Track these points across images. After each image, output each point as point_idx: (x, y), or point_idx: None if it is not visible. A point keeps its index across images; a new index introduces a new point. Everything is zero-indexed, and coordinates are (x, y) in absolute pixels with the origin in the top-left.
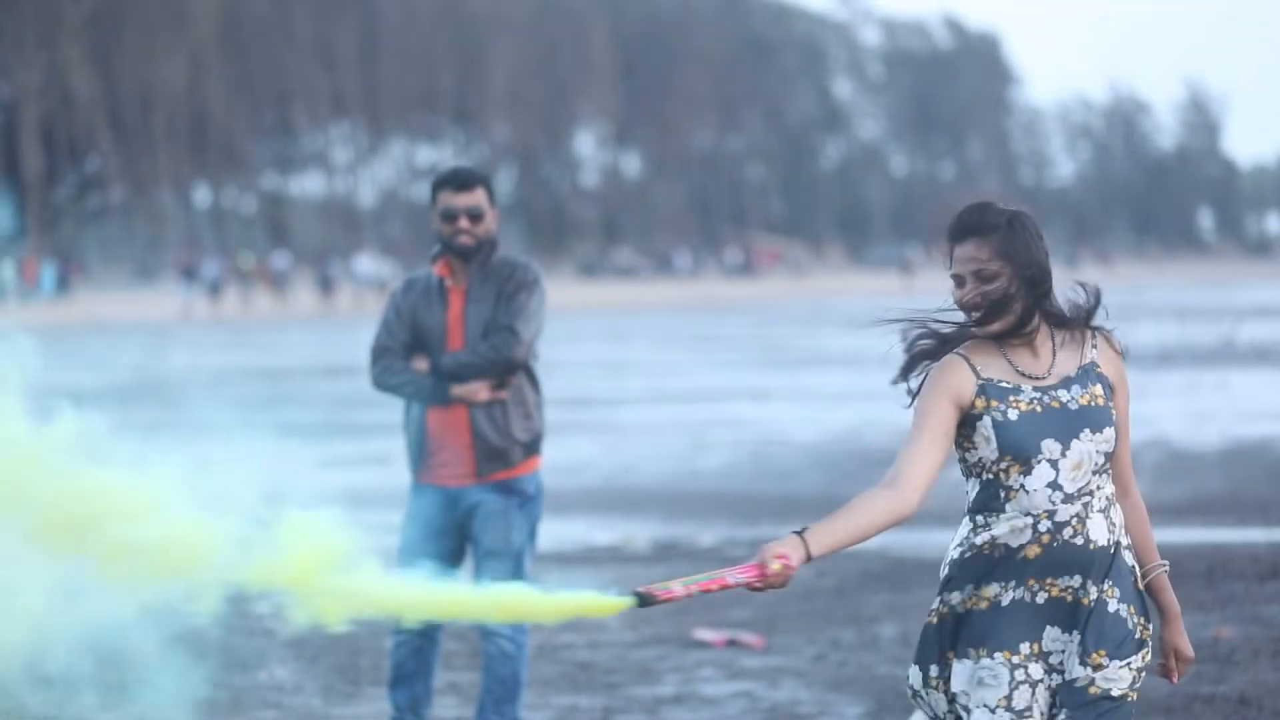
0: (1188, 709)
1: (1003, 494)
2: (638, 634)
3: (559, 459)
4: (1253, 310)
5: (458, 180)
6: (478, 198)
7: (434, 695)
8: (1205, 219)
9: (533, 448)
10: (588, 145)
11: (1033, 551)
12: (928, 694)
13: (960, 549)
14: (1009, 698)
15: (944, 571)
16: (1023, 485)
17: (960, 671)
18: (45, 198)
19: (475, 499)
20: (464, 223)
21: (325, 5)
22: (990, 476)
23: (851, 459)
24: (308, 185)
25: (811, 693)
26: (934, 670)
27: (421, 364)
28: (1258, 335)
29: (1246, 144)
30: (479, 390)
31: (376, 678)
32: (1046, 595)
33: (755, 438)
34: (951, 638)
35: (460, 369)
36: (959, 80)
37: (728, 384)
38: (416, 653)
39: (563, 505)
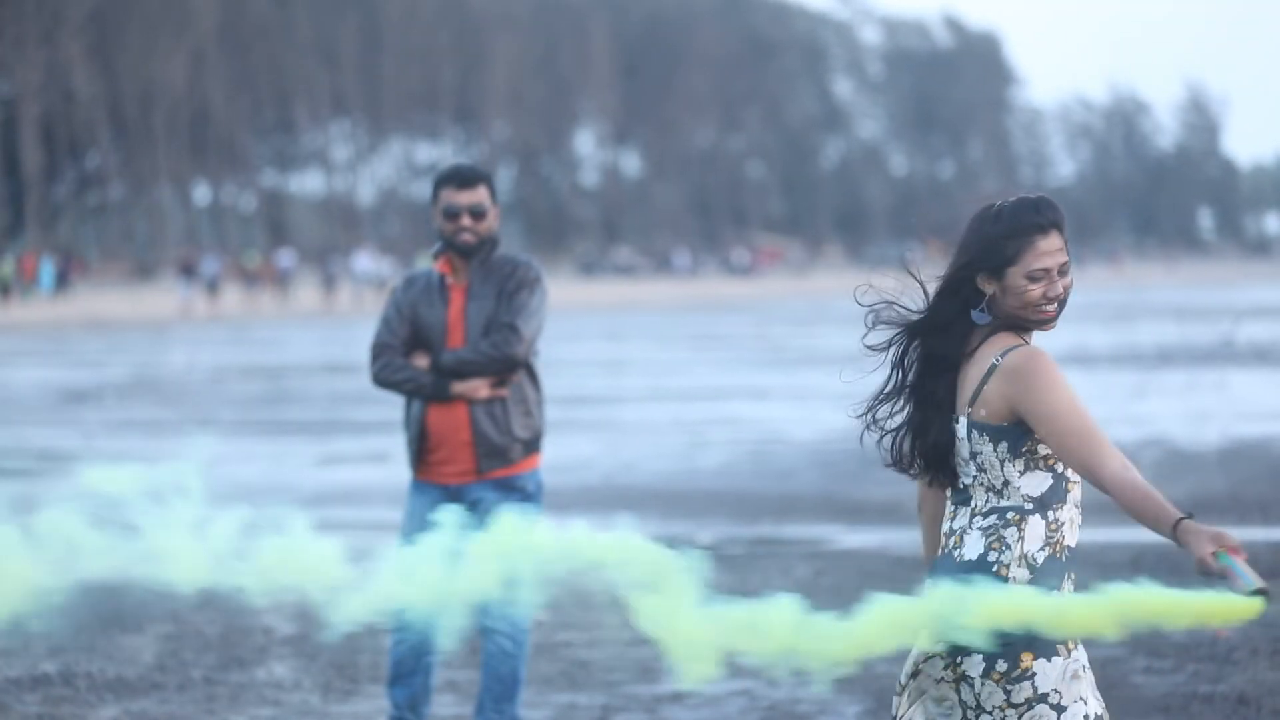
0: (1186, 708)
1: (1064, 486)
2: (636, 632)
3: (559, 457)
4: (1252, 310)
5: (460, 178)
6: (480, 195)
7: (433, 693)
8: (1205, 219)
9: (533, 445)
10: (588, 144)
11: (1074, 543)
12: (983, 684)
13: (1044, 549)
14: (1094, 686)
15: (1025, 575)
16: (1071, 477)
17: (1051, 670)
18: (45, 194)
19: (475, 496)
20: (466, 220)
21: (326, 3)
22: (1061, 469)
23: (850, 458)
24: (307, 183)
25: (810, 692)
26: (1003, 666)
27: (422, 361)
28: (1257, 335)
29: (1246, 144)
30: (479, 388)
31: (375, 675)
32: (1072, 588)
33: (754, 436)
34: (1030, 637)
35: (461, 366)
36: (959, 80)
37: (727, 383)
38: (415, 650)
39: (562, 503)
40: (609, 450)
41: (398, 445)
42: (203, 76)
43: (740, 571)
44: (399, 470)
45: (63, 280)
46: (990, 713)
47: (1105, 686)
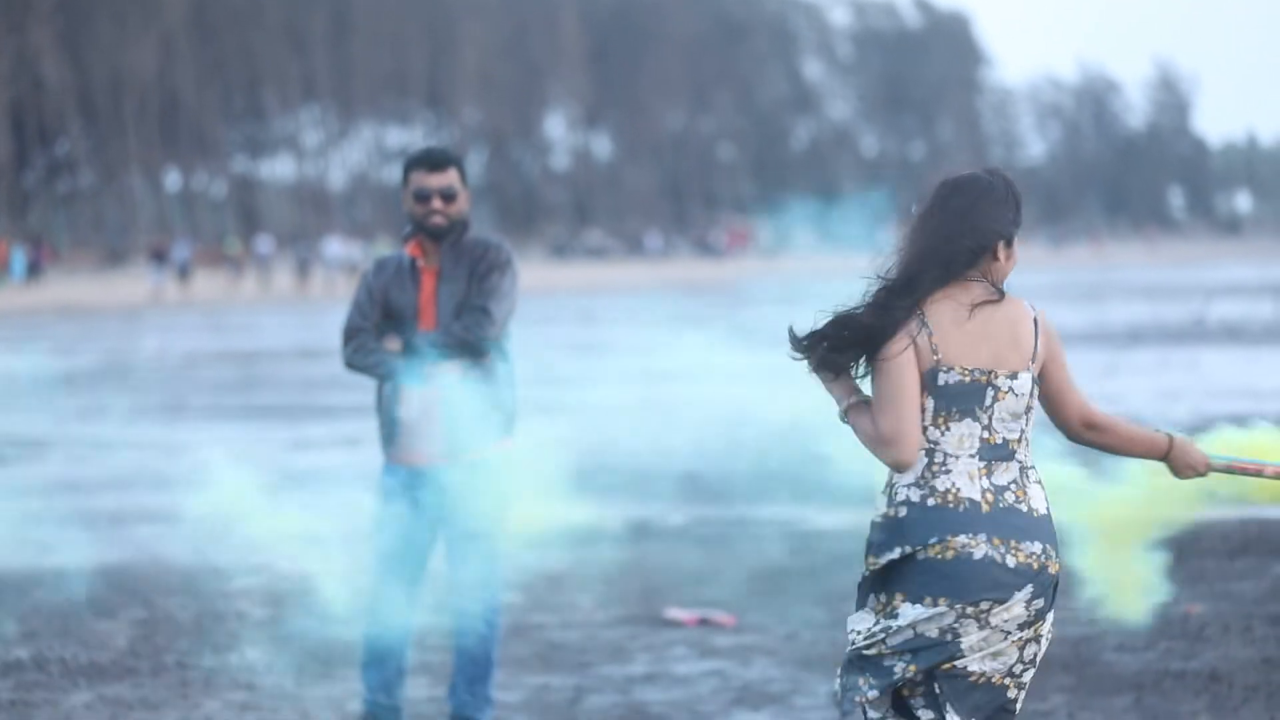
0: (1158, 685)
1: None
2: (609, 613)
3: (531, 439)
4: (1223, 288)
5: (431, 161)
6: (451, 178)
7: (406, 676)
8: (1176, 198)
9: (505, 428)
10: (558, 127)
11: None
12: (1050, 629)
13: None
14: None
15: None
16: None
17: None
18: (15, 182)
19: (448, 479)
20: (437, 203)
21: None
22: None
23: (823, 438)
24: (278, 169)
25: (783, 671)
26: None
27: (394, 344)
28: (1228, 314)
29: (1216, 123)
30: (451, 370)
31: (348, 659)
32: None
33: (727, 417)
34: None
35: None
36: (929, 60)
37: (699, 364)
38: (388, 633)
39: (534, 486)
40: (581, 432)
41: (370, 429)
42: (172, 63)
43: (714, 552)
44: (371, 454)
45: (34, 268)
46: (1034, 659)
47: (1078, 665)
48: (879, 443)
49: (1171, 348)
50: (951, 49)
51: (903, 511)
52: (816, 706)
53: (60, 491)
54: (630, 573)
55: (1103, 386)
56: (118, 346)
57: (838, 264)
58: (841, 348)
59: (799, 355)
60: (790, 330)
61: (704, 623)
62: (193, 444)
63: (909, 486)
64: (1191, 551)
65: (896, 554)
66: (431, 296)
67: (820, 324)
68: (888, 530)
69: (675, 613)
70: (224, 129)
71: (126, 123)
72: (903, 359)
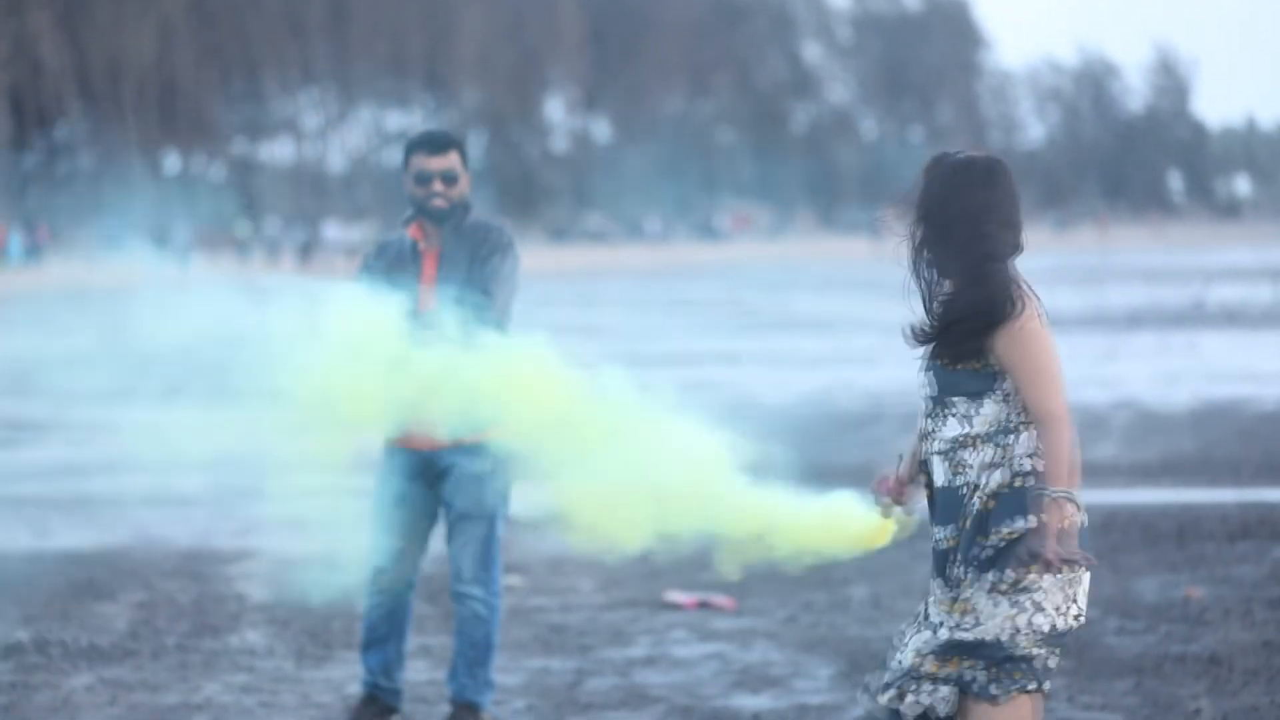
0: (1158, 669)
1: None
2: (609, 596)
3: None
4: (1223, 272)
5: (432, 144)
6: (451, 161)
7: (406, 658)
8: (1175, 181)
9: None
10: (557, 110)
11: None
12: None
13: None
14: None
15: None
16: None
17: None
18: (14, 165)
19: (448, 462)
20: (438, 186)
21: None
22: None
23: (823, 422)
24: (277, 152)
25: (783, 654)
26: None
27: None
28: (1227, 297)
29: (1215, 106)
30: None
31: (348, 641)
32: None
33: (726, 401)
34: None
35: None
36: (928, 44)
37: (699, 348)
38: (389, 616)
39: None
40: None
41: None
42: (171, 46)
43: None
44: (371, 437)
45: (32, 250)
46: None
47: (1078, 648)
48: (1065, 439)
49: (1171, 331)
50: (950, 32)
51: (1028, 481)
52: (817, 690)
53: (60, 474)
54: (630, 556)
55: (1103, 370)
56: (117, 328)
57: (838, 246)
58: (973, 330)
59: (939, 347)
60: (907, 330)
61: (704, 606)
62: (192, 427)
63: (1029, 457)
64: (1192, 535)
65: (1033, 522)
66: (432, 279)
67: (939, 316)
68: (1011, 501)
69: (675, 596)
70: (223, 112)
71: (125, 106)
72: (1042, 320)
